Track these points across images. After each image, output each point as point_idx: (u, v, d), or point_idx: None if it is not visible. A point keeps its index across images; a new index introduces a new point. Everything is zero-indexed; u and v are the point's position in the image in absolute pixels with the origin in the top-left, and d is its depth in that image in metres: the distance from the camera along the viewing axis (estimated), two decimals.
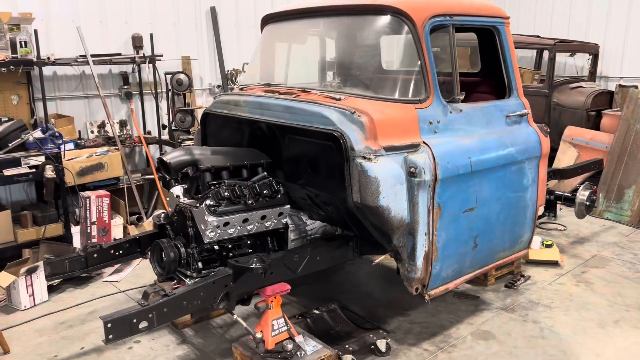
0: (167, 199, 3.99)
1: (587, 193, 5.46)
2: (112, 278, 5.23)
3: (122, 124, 6.52)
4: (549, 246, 5.56)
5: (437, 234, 3.53)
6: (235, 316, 3.39)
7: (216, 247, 3.60)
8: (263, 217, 3.71)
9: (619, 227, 6.65)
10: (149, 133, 6.74)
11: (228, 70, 7.38)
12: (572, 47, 8.43)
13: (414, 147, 3.47)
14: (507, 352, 3.90)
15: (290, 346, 3.50)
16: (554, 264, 5.43)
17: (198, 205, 3.53)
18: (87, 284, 5.13)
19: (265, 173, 3.79)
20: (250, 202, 3.57)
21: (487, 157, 3.75)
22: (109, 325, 2.90)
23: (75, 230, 5.57)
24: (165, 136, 6.75)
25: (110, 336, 2.92)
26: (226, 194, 3.50)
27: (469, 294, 4.77)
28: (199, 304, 3.25)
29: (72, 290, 4.99)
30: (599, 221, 6.77)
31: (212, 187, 3.58)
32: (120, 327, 2.95)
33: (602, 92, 8.10)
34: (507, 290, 4.88)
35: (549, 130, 4.38)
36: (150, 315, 3.04)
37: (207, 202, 3.48)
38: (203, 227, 3.50)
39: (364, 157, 3.28)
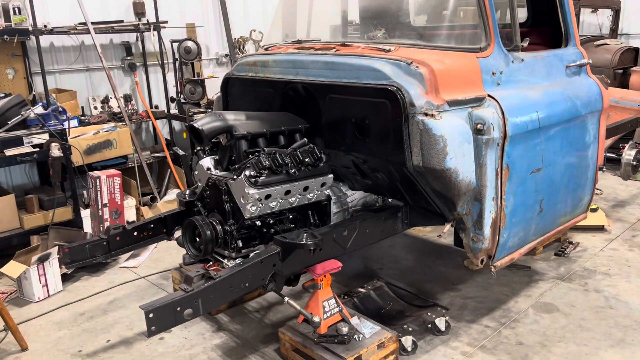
0: (196, 172, 3.58)
1: (633, 152, 5.12)
2: (129, 264, 4.83)
3: (127, 98, 6.05)
4: (593, 210, 5.21)
5: (505, 198, 3.16)
6: (286, 299, 3.01)
7: (258, 222, 3.20)
8: (305, 189, 3.31)
9: None
10: (156, 107, 6.28)
11: (235, 38, 6.90)
12: (595, 2, 8.02)
13: (478, 101, 3.08)
14: (576, 326, 3.57)
15: (345, 329, 3.14)
16: (600, 228, 5.10)
17: (235, 176, 3.12)
18: (103, 270, 4.73)
19: (305, 139, 3.38)
20: (292, 171, 3.17)
21: (553, 112, 3.36)
22: (151, 315, 2.52)
23: (85, 213, 5.14)
24: (174, 110, 6.29)
25: (153, 327, 2.54)
26: (267, 163, 3.09)
27: (519, 264, 4.43)
28: (247, 286, 2.86)
29: (88, 279, 4.60)
30: (634, 183, 6.44)
31: (251, 156, 3.17)
32: (163, 317, 2.56)
33: (628, 49, 7.71)
34: (558, 259, 4.55)
35: (609, 82, 4.00)
36: (195, 302, 2.66)
37: (247, 172, 3.07)
38: (243, 201, 3.10)
39: (426, 114, 2.88)
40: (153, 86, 6.28)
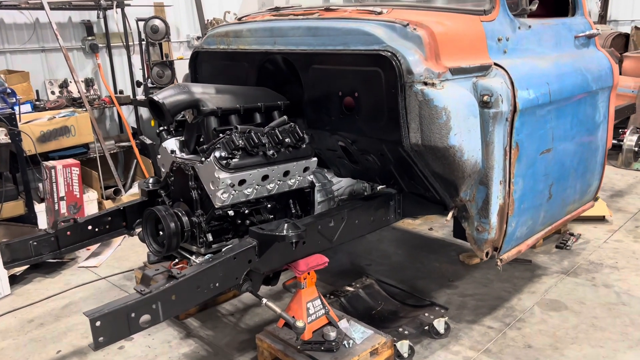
0: (159, 156, 3.11)
1: (634, 138, 4.80)
2: (88, 263, 4.33)
3: (88, 82, 5.52)
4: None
5: (514, 181, 2.77)
6: (264, 301, 2.57)
7: (231, 212, 2.76)
8: (286, 173, 2.88)
9: None
10: (121, 92, 5.76)
11: (208, 20, 6.42)
12: None
13: (484, 70, 2.69)
14: (588, 325, 3.20)
15: (332, 334, 2.71)
16: (601, 219, 4.77)
17: (203, 159, 2.67)
18: (59, 271, 4.23)
19: (285, 117, 2.94)
20: (270, 153, 2.73)
21: (564, 85, 2.99)
22: (98, 323, 2.06)
23: (40, 208, 4.63)
24: (140, 96, 5.79)
25: (101, 339, 2.08)
26: (240, 142, 2.65)
27: (520, 258, 4.06)
28: (217, 286, 2.42)
29: (41, 280, 4.09)
30: (629, 172, 6.15)
31: (222, 135, 2.72)
32: (113, 326, 2.10)
33: (618, 34, 7.45)
34: (560, 252, 4.19)
35: (619, 55, 3.65)
36: (154, 307, 2.20)
37: (217, 153, 2.62)
38: (212, 188, 2.66)
39: (426, 83, 2.47)
40: (117, 69, 5.77)
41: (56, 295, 3.82)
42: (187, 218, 2.78)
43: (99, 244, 4.52)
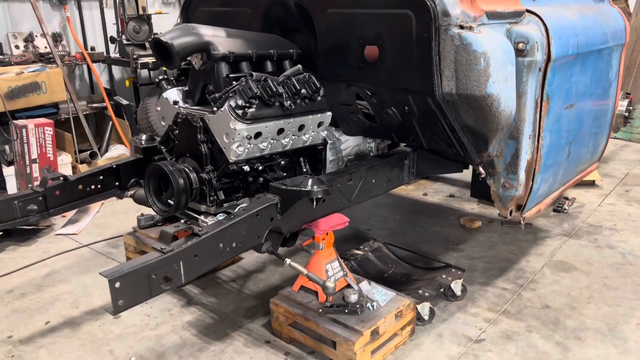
0: (158, 108, 2.83)
1: (625, 103, 4.78)
2: (67, 230, 4.01)
3: (56, 37, 5.08)
4: None
5: (542, 136, 2.66)
6: (287, 261, 2.38)
7: (246, 168, 2.53)
8: (301, 128, 2.67)
9: (633, 145, 6.16)
10: (93, 49, 5.33)
11: None
12: None
13: (517, 16, 2.54)
14: (601, 285, 3.17)
15: (354, 296, 2.56)
16: (591, 184, 4.79)
17: (216, 108, 2.43)
18: (34, 239, 3.89)
19: (299, 66, 2.72)
20: (288, 104, 2.51)
21: (589, 38, 2.88)
22: (118, 284, 1.82)
23: (9, 171, 4.25)
24: (114, 53, 5.38)
25: (121, 302, 1.85)
26: (257, 91, 2.41)
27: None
28: (240, 246, 2.21)
29: (15, 249, 3.75)
30: (610, 140, 6.21)
31: (235, 82, 2.48)
32: (134, 287, 1.88)
33: None
34: (558, 215, 4.17)
35: (630, 13, 3.58)
36: (176, 266, 1.98)
37: (232, 102, 2.39)
38: (227, 140, 2.42)
39: (462, 27, 2.30)
40: (88, 24, 5.33)
41: (35, 264, 3.51)
42: (195, 174, 2.54)
43: (75, 211, 4.21)
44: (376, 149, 3.42)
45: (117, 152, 4.82)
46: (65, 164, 4.48)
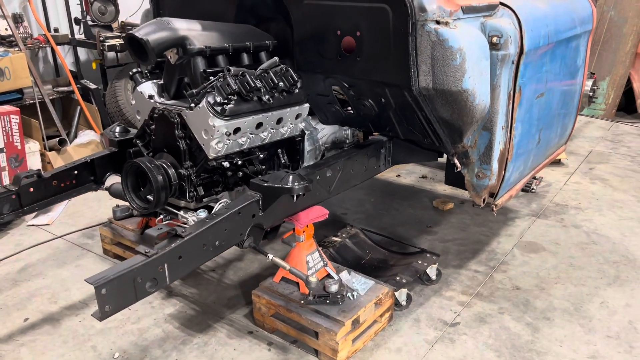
0: (133, 102, 2.79)
1: (589, 83, 4.91)
2: (39, 221, 3.95)
3: (17, 18, 4.88)
4: None
5: (515, 126, 2.73)
6: (270, 256, 2.42)
7: (226, 163, 2.54)
8: (279, 121, 2.68)
9: (596, 121, 6.35)
10: (56, 31, 5.15)
11: None
12: None
13: (491, 9, 2.57)
14: (567, 265, 3.32)
15: (334, 287, 2.62)
16: (557, 162, 4.94)
17: (193, 104, 2.41)
18: (5, 231, 3.83)
19: (276, 58, 2.70)
20: (266, 98, 2.51)
21: (558, 27, 2.94)
22: (104, 291, 1.83)
23: None
24: (79, 35, 5.21)
25: (108, 307, 1.87)
26: (235, 86, 2.41)
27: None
28: (222, 244, 2.24)
29: None
30: None
31: (212, 77, 2.46)
32: (120, 292, 1.89)
33: None
34: (526, 195, 4.31)
35: None
36: (160, 269, 2.00)
37: (210, 98, 2.38)
38: (206, 137, 2.42)
39: (438, 22, 2.32)
40: (50, 4, 5.12)
41: (8, 258, 3.45)
42: (173, 170, 2.54)
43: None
44: (352, 136, 3.46)
45: (87, 138, 4.72)
46: (33, 152, 4.37)
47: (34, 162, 4.39)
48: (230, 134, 2.44)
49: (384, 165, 3.17)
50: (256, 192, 2.37)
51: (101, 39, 4.90)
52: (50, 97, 4.80)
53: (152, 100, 2.66)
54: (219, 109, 2.37)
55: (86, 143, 4.69)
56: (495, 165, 2.73)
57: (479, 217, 3.95)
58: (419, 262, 3.08)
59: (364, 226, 3.74)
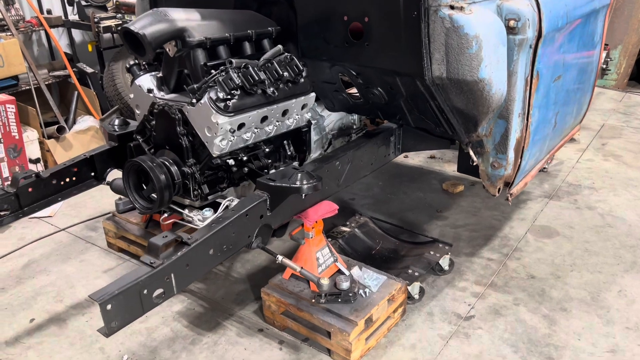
0: (131, 95, 2.67)
1: (603, 55, 4.76)
2: (41, 213, 3.81)
3: (7, 1, 4.70)
4: None
5: (532, 113, 2.61)
6: (279, 258, 2.33)
7: (230, 161, 2.43)
8: (284, 113, 2.56)
9: (607, 92, 6.18)
10: (49, 12, 4.97)
11: None
12: None
13: None
14: (582, 250, 3.24)
15: (346, 283, 2.55)
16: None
17: (195, 100, 2.30)
18: (8, 224, 3.73)
19: (280, 46, 2.56)
20: (271, 90, 2.39)
21: (577, 5, 2.78)
22: (109, 307, 1.76)
23: None
24: (73, 16, 5.03)
25: (114, 323, 1.79)
26: (239, 80, 2.28)
27: None
28: (230, 248, 2.15)
29: None
30: None
31: (213, 71, 2.33)
32: (126, 306, 1.81)
33: None
34: (538, 174, 4.19)
35: None
36: (167, 279, 1.92)
37: (213, 94, 2.25)
38: (209, 134, 2.31)
39: (453, 7, 2.18)
40: None
41: (12, 254, 3.39)
42: (176, 168, 2.44)
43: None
44: (359, 121, 3.35)
45: (86, 124, 4.59)
46: (31, 141, 4.26)
47: (32, 151, 4.28)
48: (234, 130, 2.33)
49: (393, 153, 3.07)
50: (263, 191, 2.28)
51: (96, 20, 4.72)
52: (47, 82, 4.66)
53: (151, 95, 2.54)
54: (222, 105, 2.25)
55: (85, 129, 4.57)
56: (511, 154, 2.61)
57: (491, 200, 3.85)
58: (431, 252, 3.00)
59: (373, 212, 3.67)
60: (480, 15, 2.21)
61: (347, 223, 3.30)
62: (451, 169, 4.35)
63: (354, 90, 2.90)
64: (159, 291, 1.91)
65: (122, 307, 1.80)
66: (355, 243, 3.17)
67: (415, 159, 4.59)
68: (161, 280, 1.90)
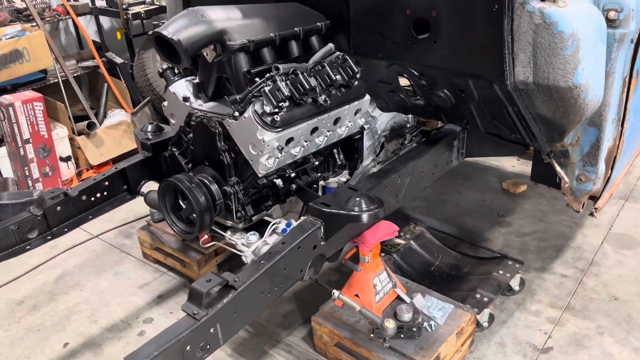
0: (165, 103, 2.38)
1: None
2: None
3: None
4: None
5: (627, 118, 2.22)
6: (336, 293, 2.04)
7: (278, 181, 2.14)
8: (336, 121, 2.24)
9: None
10: (76, 0, 4.71)
11: None
12: None
13: None
14: None
15: (408, 315, 2.25)
16: None
17: (238, 113, 2.00)
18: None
19: (331, 45, 2.23)
20: (322, 99, 2.07)
21: None
22: None
23: (1, 153, 3.84)
24: (100, 2, 4.76)
25: None
26: (287, 91, 1.96)
27: None
28: (281, 287, 1.88)
29: None
30: None
31: (258, 79, 2.02)
32: None
33: None
34: None
35: None
36: (212, 330, 1.66)
37: (258, 107, 1.95)
38: (254, 152, 2.01)
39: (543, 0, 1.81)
40: None
41: (44, 265, 3.21)
42: (217, 187, 2.16)
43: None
44: (413, 118, 3.01)
45: (117, 119, 4.36)
46: (61, 138, 4.05)
47: (62, 149, 4.08)
48: (282, 147, 2.03)
49: (456, 159, 2.73)
50: (316, 218, 1.98)
51: (124, 6, 4.44)
52: (75, 74, 4.43)
53: (187, 104, 2.25)
54: (268, 119, 1.95)
55: (117, 124, 4.34)
56: (602, 166, 2.24)
57: (557, 201, 3.47)
58: (500, 271, 2.67)
59: (426, 217, 3.35)
60: (577, 8, 1.83)
61: (401, 234, 2.99)
62: (510, 164, 3.97)
63: (405, 82, 2.55)
64: (202, 345, 1.66)
65: None
66: (411, 258, 2.87)
67: None
68: (206, 333, 1.64)
